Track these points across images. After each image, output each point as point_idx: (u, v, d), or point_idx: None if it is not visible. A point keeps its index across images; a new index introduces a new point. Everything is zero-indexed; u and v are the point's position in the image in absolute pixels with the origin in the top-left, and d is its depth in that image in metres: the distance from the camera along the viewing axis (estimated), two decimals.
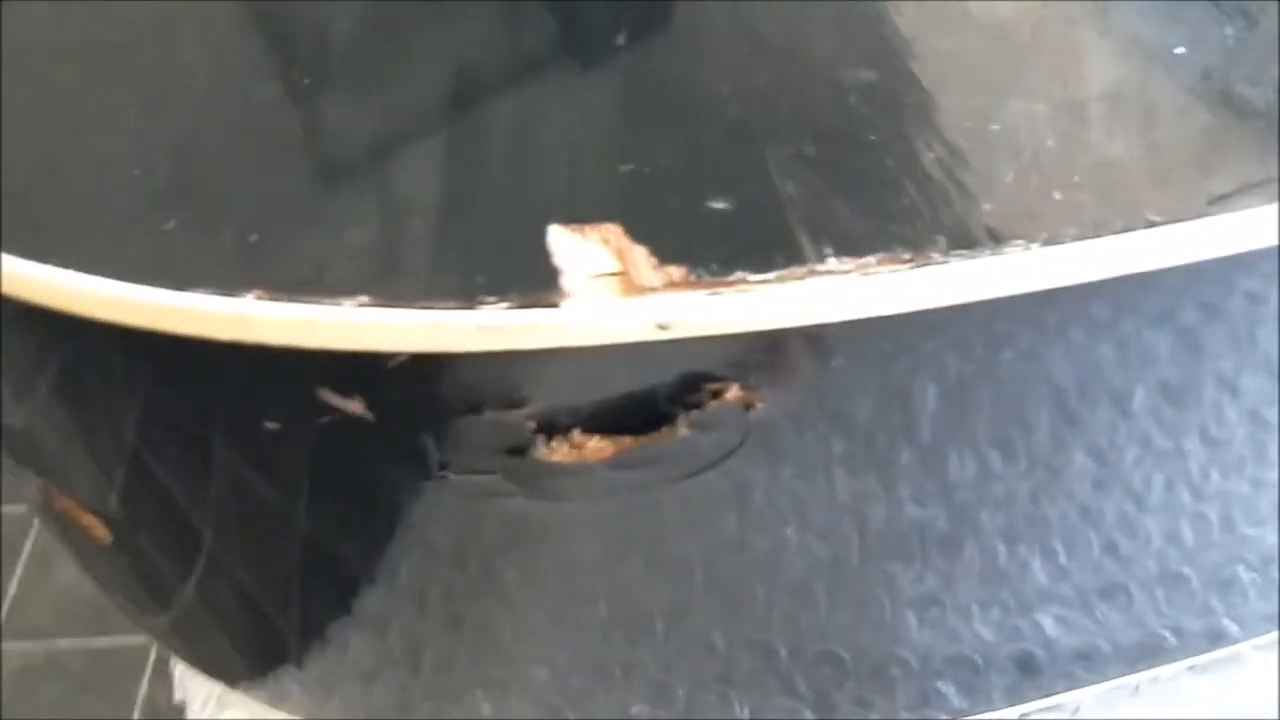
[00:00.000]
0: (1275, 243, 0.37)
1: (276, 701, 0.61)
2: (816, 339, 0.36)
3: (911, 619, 0.57)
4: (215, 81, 0.41)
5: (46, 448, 0.45)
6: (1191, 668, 0.65)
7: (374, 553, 0.45)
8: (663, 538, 0.45)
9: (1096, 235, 0.35)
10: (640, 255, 0.35)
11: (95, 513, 0.47)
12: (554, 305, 0.34)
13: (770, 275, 0.35)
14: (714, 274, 0.35)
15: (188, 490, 0.43)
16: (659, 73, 0.41)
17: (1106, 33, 0.41)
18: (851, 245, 0.35)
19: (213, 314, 0.35)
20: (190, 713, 0.67)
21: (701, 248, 0.35)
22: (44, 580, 1.13)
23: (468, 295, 0.35)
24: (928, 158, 0.37)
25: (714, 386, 0.38)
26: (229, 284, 0.35)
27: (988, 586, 0.56)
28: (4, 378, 0.42)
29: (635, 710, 0.59)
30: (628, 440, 0.39)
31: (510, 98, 0.40)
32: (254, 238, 0.36)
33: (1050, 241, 0.35)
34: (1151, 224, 0.35)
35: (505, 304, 0.34)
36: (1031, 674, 0.61)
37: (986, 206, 0.36)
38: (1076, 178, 0.36)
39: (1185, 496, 0.55)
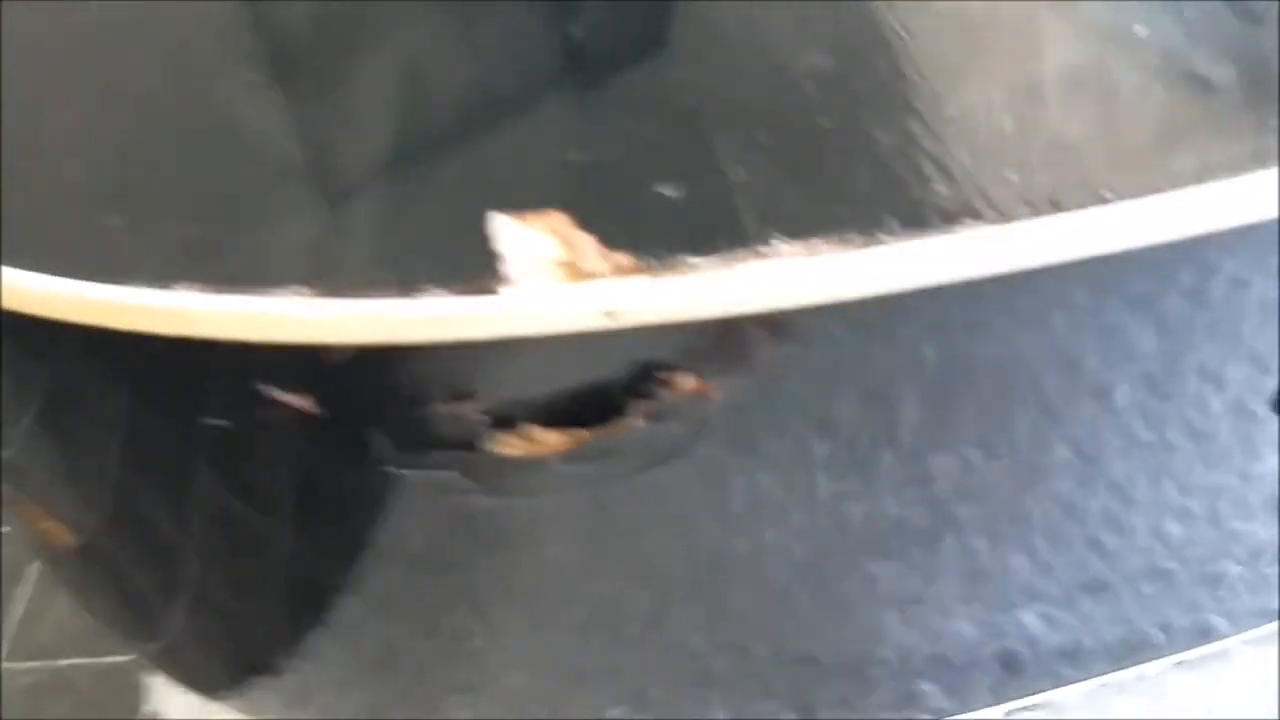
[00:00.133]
0: (1243, 221, 0.36)
1: (250, 708, 0.60)
2: (766, 324, 0.35)
3: (891, 618, 0.56)
4: (157, 80, 0.40)
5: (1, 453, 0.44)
6: (1179, 664, 0.63)
7: (335, 555, 0.44)
8: (628, 535, 0.45)
9: (1050, 213, 0.34)
10: (586, 242, 0.34)
11: (54, 517, 0.47)
12: (496, 293, 0.34)
13: (716, 259, 0.34)
14: (660, 259, 0.34)
15: (140, 494, 0.42)
16: (608, 61, 0.41)
17: (1065, 13, 0.40)
18: (799, 228, 0.34)
19: (151, 308, 0.34)
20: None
21: (648, 234, 0.34)
22: (50, 599, 1.13)
23: (408, 285, 0.34)
24: (881, 143, 0.36)
25: (666, 376, 0.37)
26: (167, 278, 0.34)
27: (966, 583, 0.55)
28: None
29: (611, 713, 0.58)
30: (582, 433, 0.38)
31: (454, 88, 0.39)
32: (194, 232, 0.35)
33: (1002, 220, 0.34)
34: (1106, 201, 0.34)
35: (447, 293, 0.34)
36: (1015, 672, 0.60)
37: (940, 189, 0.35)
38: (1032, 159, 0.35)
39: (1170, 490, 0.54)
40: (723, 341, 0.36)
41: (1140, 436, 0.49)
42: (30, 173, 0.37)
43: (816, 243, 0.34)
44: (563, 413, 0.38)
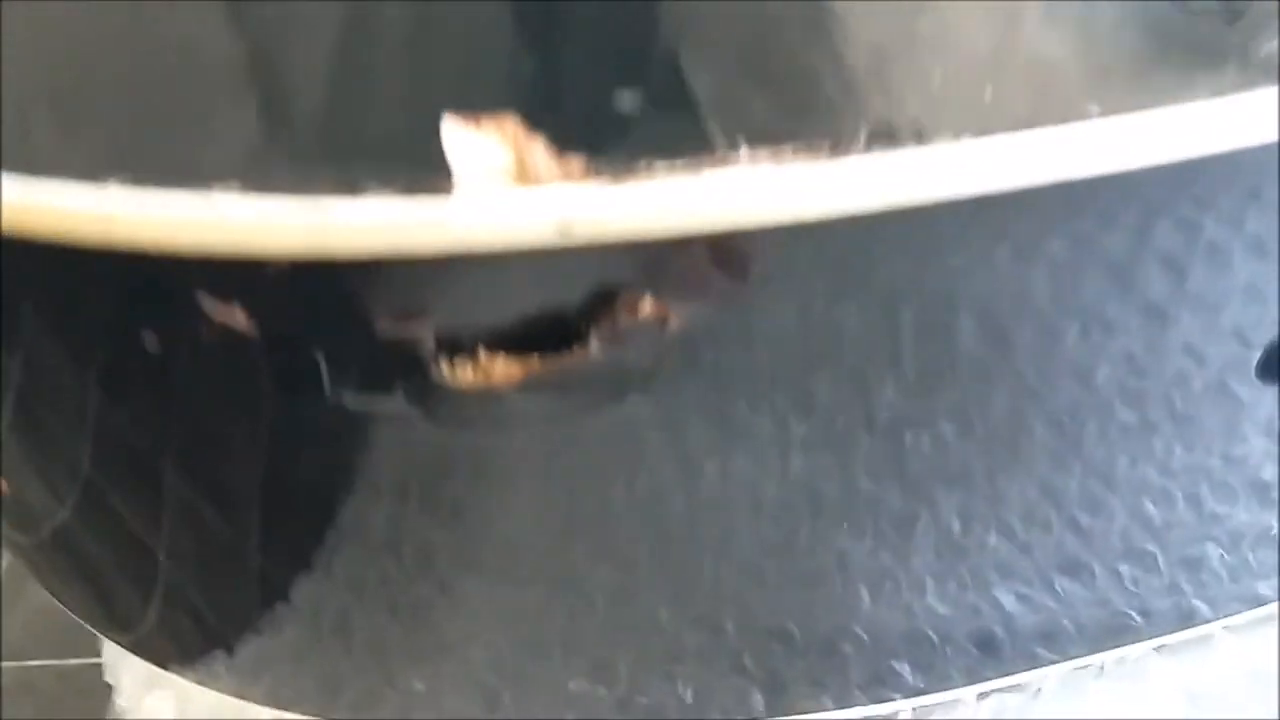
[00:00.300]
0: (1227, 147, 0.34)
1: (200, 678, 0.57)
2: (728, 241, 0.33)
3: (864, 593, 0.54)
4: None
5: None
6: (1159, 649, 0.61)
7: (276, 499, 0.42)
8: (586, 481, 0.42)
9: (1030, 128, 0.32)
10: (538, 147, 0.32)
11: None
12: (443, 196, 0.31)
13: (678, 166, 0.31)
14: (618, 167, 0.32)
15: (67, 434, 0.40)
16: None
17: None
18: (766, 138, 0.32)
19: (75, 210, 0.31)
20: (119, 696, 0.64)
21: (605, 142, 0.32)
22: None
23: (350, 186, 0.31)
24: (852, 56, 0.34)
25: (624, 299, 0.35)
26: (91, 174, 0.32)
27: (940, 560, 0.53)
28: None
29: (573, 686, 0.56)
30: (534, 361, 0.36)
31: None
32: (123, 131, 0.33)
33: (976, 136, 0.32)
34: (1088, 117, 0.32)
35: (391, 195, 0.31)
36: (991, 653, 0.58)
37: (912, 103, 0.33)
38: (1010, 75, 0.33)
39: (1149, 471, 0.52)
40: (682, 260, 0.33)
41: (1119, 414, 0.48)
42: None
43: (785, 152, 0.32)
44: (515, 340, 0.36)
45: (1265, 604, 0.61)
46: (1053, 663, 0.59)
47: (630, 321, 0.35)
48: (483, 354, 0.36)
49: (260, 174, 0.32)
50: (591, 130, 0.32)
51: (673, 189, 0.32)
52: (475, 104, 0.32)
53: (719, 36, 0.34)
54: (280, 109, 0.34)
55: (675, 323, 0.35)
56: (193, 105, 0.33)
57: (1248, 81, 0.33)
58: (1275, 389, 0.48)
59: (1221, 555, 0.58)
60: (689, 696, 0.57)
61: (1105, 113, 0.32)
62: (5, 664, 1.05)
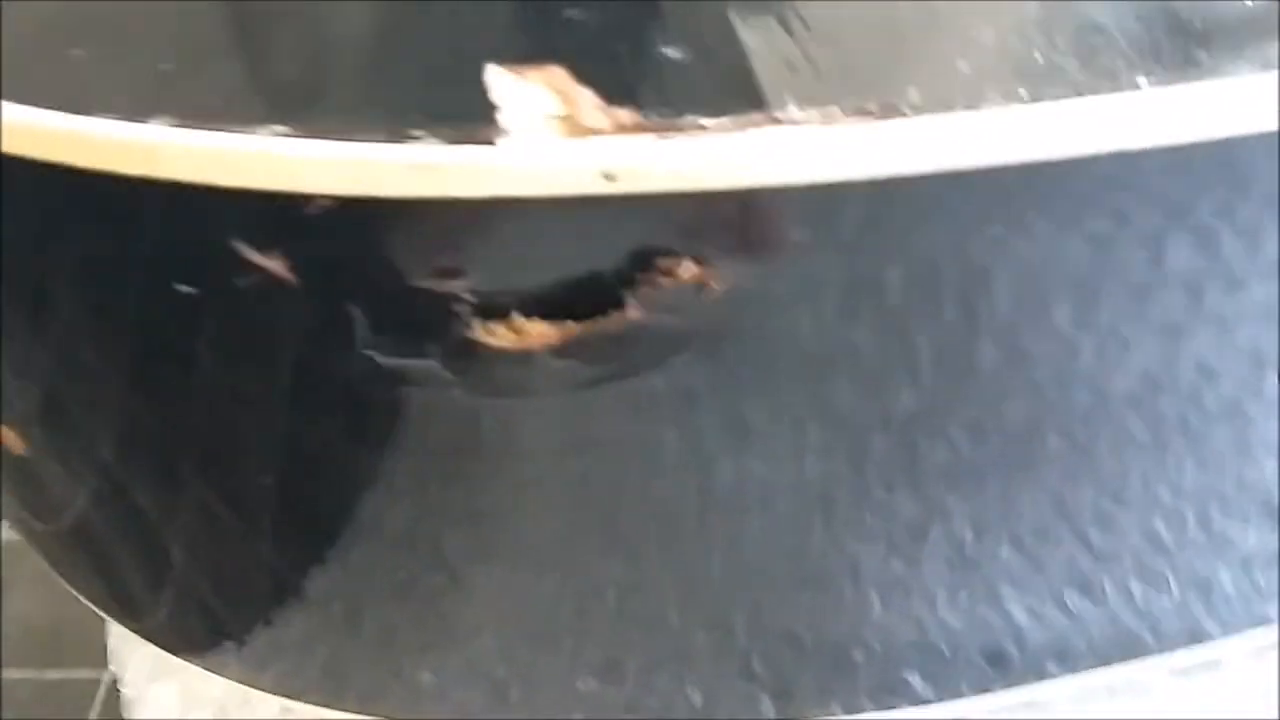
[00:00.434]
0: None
1: (214, 666, 0.56)
2: (775, 202, 0.32)
3: (875, 600, 0.53)
4: None
5: None
6: (1171, 669, 0.60)
7: (296, 464, 0.40)
8: (613, 456, 0.41)
9: (1080, 95, 0.31)
10: (585, 97, 0.31)
11: (7, 420, 0.43)
12: (490, 143, 0.31)
13: (726, 120, 0.31)
14: (666, 119, 0.31)
15: (92, 387, 0.39)
16: None
17: None
18: (816, 98, 0.31)
19: (118, 141, 0.31)
20: (125, 686, 0.62)
21: (653, 94, 0.32)
22: None
23: (396, 131, 0.31)
24: (903, 20, 0.34)
25: (666, 263, 0.34)
26: (136, 111, 0.31)
27: (953, 569, 0.52)
28: None
29: (583, 684, 0.54)
30: (572, 325, 0.35)
31: None
32: (166, 67, 0.32)
33: (1034, 100, 0.31)
34: (1139, 88, 0.32)
35: (437, 140, 0.30)
36: (1001, 666, 0.57)
37: (963, 66, 0.32)
38: (1060, 41, 0.33)
39: (1162, 491, 0.51)
40: (727, 220, 0.33)
41: (1134, 430, 0.47)
42: None
43: (834, 110, 0.31)
44: (553, 302, 0.35)
45: (1274, 624, 0.60)
46: (1062, 676, 0.58)
47: (669, 284, 0.34)
48: (519, 316, 0.35)
49: (308, 117, 0.31)
50: (640, 83, 0.32)
51: (720, 144, 0.31)
52: (524, 54, 0.32)
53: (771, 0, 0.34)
54: (330, 55, 0.33)
55: (715, 287, 0.34)
56: (240, 49, 0.33)
57: None
58: None
59: (1231, 575, 0.57)
60: (697, 699, 0.55)
61: (1156, 82, 0.32)
62: None
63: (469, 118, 0.31)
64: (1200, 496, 0.52)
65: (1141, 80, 0.32)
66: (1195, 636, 0.60)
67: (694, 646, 0.53)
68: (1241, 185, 0.37)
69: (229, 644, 0.52)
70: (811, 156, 0.31)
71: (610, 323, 0.35)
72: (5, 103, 0.30)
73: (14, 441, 0.44)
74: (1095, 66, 0.32)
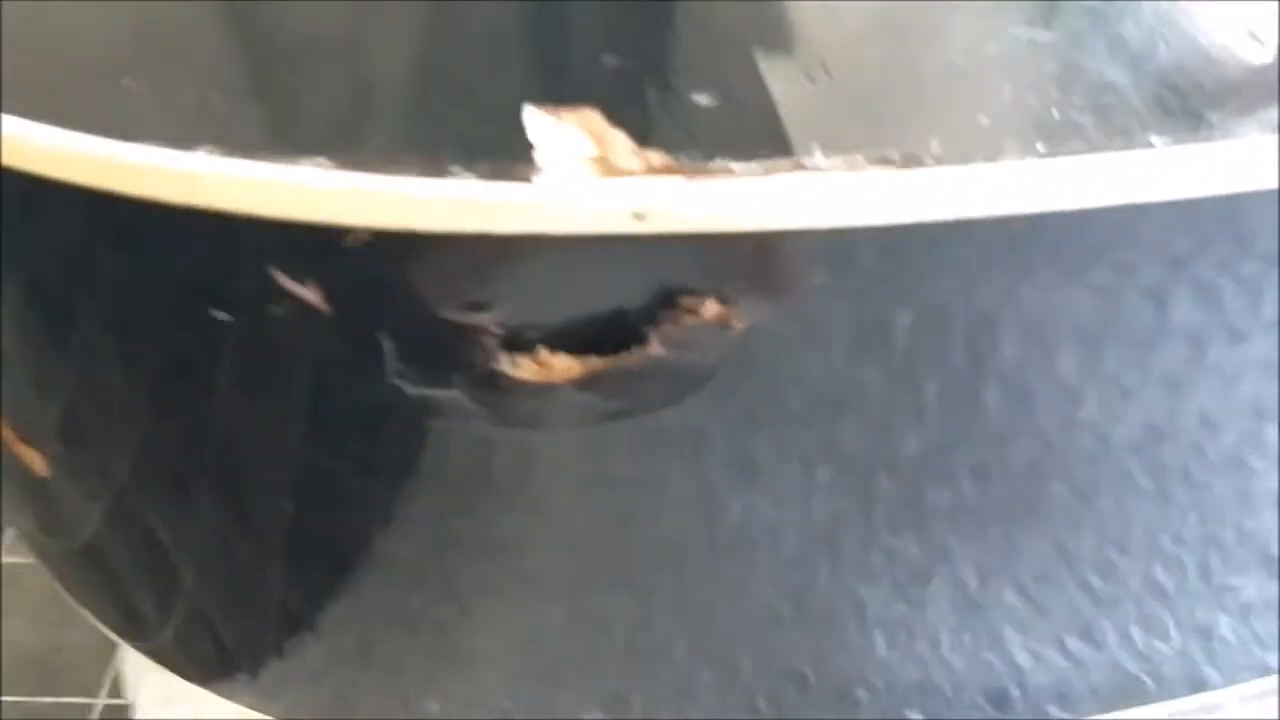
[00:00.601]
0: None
1: (224, 692, 0.56)
2: (798, 245, 0.33)
3: (880, 640, 0.53)
4: None
5: None
6: (1170, 715, 0.60)
7: (316, 487, 0.41)
8: (630, 490, 0.42)
9: (1095, 152, 0.32)
10: (619, 139, 0.32)
11: (31, 441, 0.43)
12: (525, 181, 0.31)
13: (754, 165, 0.32)
14: (696, 163, 0.32)
15: (126, 408, 0.39)
16: None
17: None
18: (840, 145, 0.32)
19: (163, 170, 0.31)
20: (137, 712, 0.62)
21: (683, 139, 0.33)
22: None
23: (434, 166, 0.31)
24: (924, 73, 0.34)
25: (690, 302, 0.35)
26: (182, 141, 0.32)
27: (956, 613, 0.52)
28: None
29: (589, 715, 0.55)
30: (596, 360, 0.36)
31: None
32: (214, 100, 0.33)
33: (1049, 155, 0.32)
34: (1152, 145, 0.33)
35: (473, 177, 0.31)
36: (1003, 708, 0.57)
37: (983, 120, 0.33)
38: (1076, 99, 0.34)
39: (1163, 539, 0.52)
40: (751, 262, 0.34)
41: (1136, 479, 0.48)
42: (42, 34, 0.35)
43: (858, 158, 0.32)
44: (578, 337, 0.36)
45: (1273, 674, 0.61)
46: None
47: (692, 323, 0.35)
48: (544, 349, 0.36)
49: (349, 152, 0.32)
50: (671, 128, 0.33)
51: (747, 188, 0.32)
52: (560, 96, 0.33)
53: (798, 44, 0.35)
54: (371, 92, 0.34)
55: (736, 326, 0.35)
56: (286, 83, 0.34)
57: None
58: None
59: (1232, 624, 0.57)
60: None
61: (1167, 142, 0.32)
62: None
63: (505, 156, 0.32)
64: (1201, 546, 0.52)
65: (1154, 139, 0.33)
66: (1196, 684, 0.60)
67: (699, 682, 0.53)
68: (1244, 242, 0.38)
69: (241, 670, 0.53)
70: (834, 202, 0.32)
71: (633, 359, 0.36)
72: (49, 127, 0.31)
73: (37, 463, 0.45)
74: (1109, 124, 0.33)
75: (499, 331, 0.35)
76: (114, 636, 0.55)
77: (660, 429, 0.39)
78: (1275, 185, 0.34)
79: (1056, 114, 0.33)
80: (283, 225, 0.32)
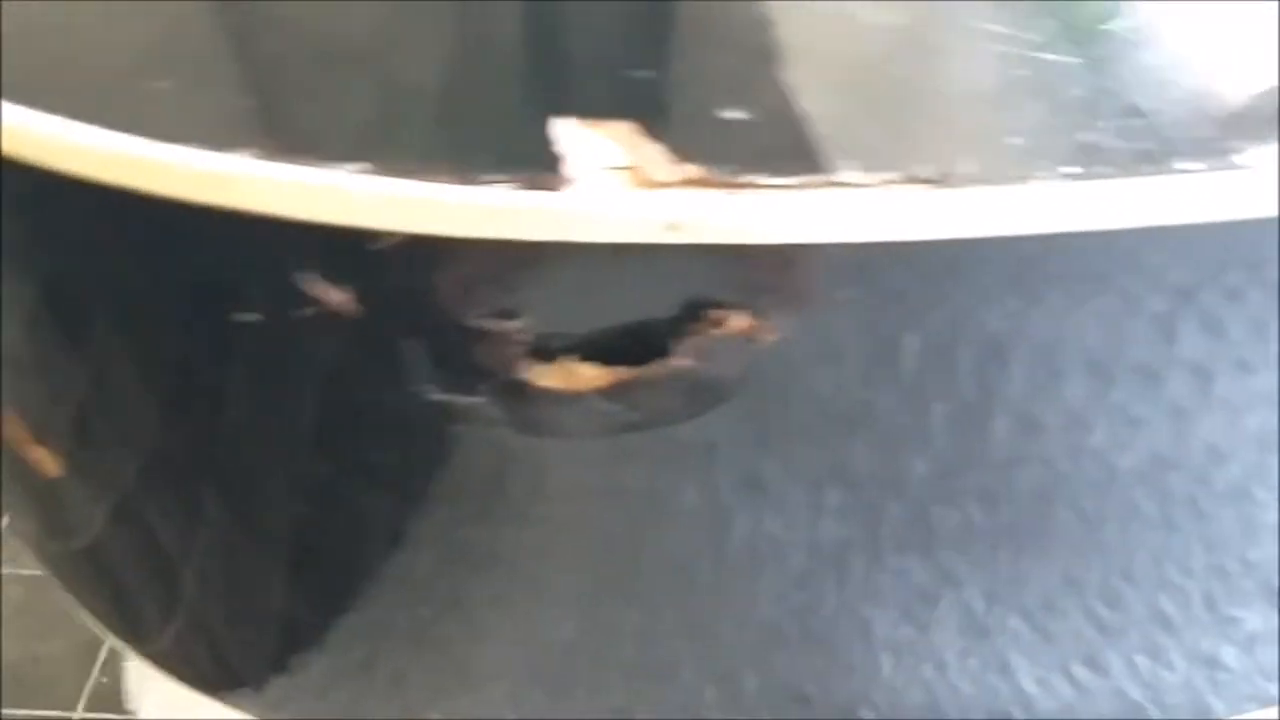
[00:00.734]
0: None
1: (232, 701, 0.56)
2: (827, 259, 0.33)
3: (885, 664, 0.53)
4: None
5: None
6: None
7: (338, 489, 0.41)
8: (647, 500, 0.42)
9: (1124, 176, 0.33)
10: (654, 151, 0.32)
11: (44, 441, 0.43)
12: (559, 189, 0.32)
13: (789, 180, 0.32)
14: (730, 176, 0.32)
15: (145, 406, 0.39)
16: None
17: None
18: (873, 162, 0.33)
19: (195, 171, 0.32)
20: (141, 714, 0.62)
21: (717, 152, 0.33)
22: None
23: (468, 174, 0.32)
24: (954, 93, 0.35)
25: (717, 314, 0.35)
26: (220, 143, 0.32)
27: (963, 639, 0.52)
28: None
29: None
30: (622, 370, 0.36)
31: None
32: (248, 103, 0.33)
33: (1081, 178, 0.32)
34: (1182, 171, 0.33)
35: (508, 185, 0.31)
36: None
37: (1014, 141, 0.34)
38: (1103, 123, 0.34)
39: (1169, 569, 0.52)
40: (780, 276, 0.34)
41: (1142, 508, 0.48)
42: (76, 34, 0.35)
43: (891, 175, 0.32)
44: (604, 347, 0.36)
45: (1275, 705, 0.61)
46: None
47: (719, 335, 0.35)
48: (571, 359, 0.36)
49: (383, 157, 0.32)
50: (706, 142, 0.33)
51: (779, 202, 0.32)
52: (596, 108, 0.33)
53: (827, 60, 0.35)
54: (407, 100, 0.34)
55: (762, 339, 0.35)
56: (319, 88, 0.34)
57: None
58: None
59: (1236, 654, 0.57)
60: None
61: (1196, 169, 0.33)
62: None
63: (540, 166, 0.32)
64: (1206, 576, 0.53)
65: (1179, 164, 0.33)
66: (1200, 712, 0.60)
67: (704, 700, 0.53)
68: (1255, 270, 0.38)
69: (246, 678, 0.53)
70: (864, 217, 0.32)
71: (658, 370, 0.36)
72: (79, 125, 0.31)
73: (48, 463, 0.44)
74: (1135, 148, 0.33)
75: (526, 339, 0.35)
76: (119, 643, 0.55)
77: (679, 442, 0.39)
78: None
79: (1085, 138, 0.34)
80: (314, 229, 0.32)
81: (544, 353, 0.36)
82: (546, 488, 0.42)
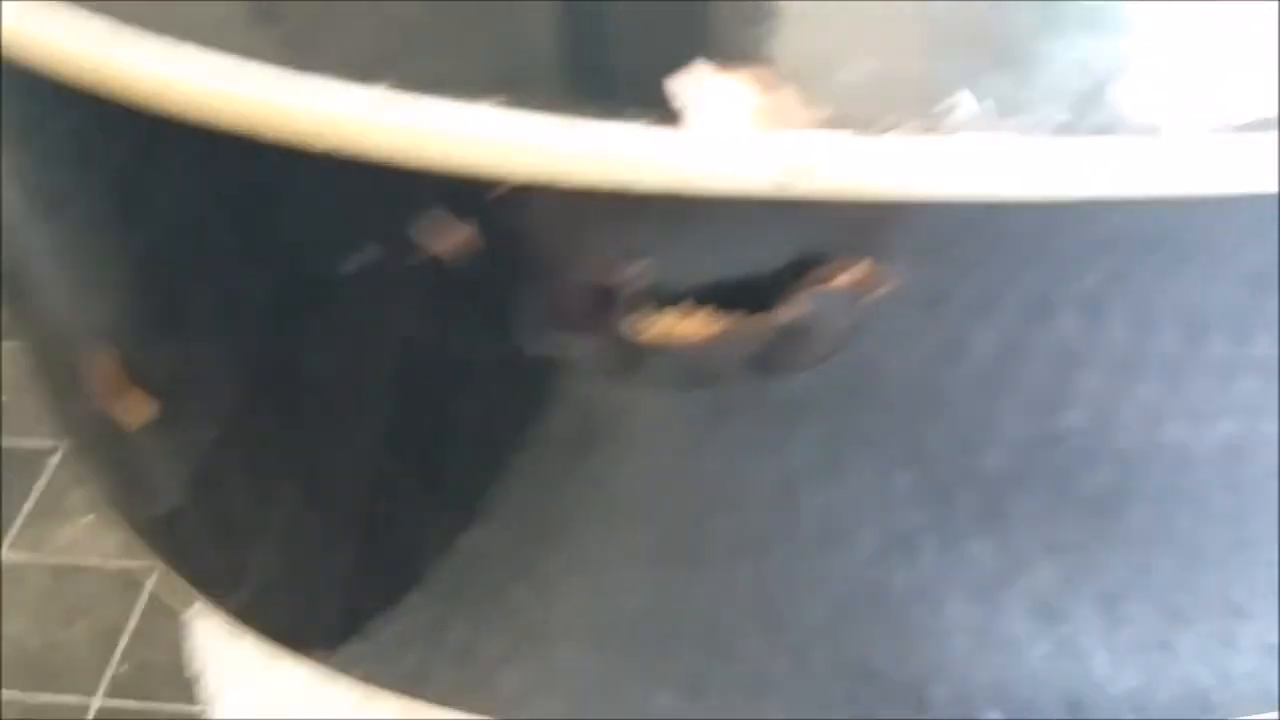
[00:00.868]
0: None
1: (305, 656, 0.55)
2: (951, 213, 0.33)
3: (958, 641, 0.52)
4: None
5: (102, 292, 0.41)
6: None
7: (426, 445, 0.41)
8: (735, 458, 0.41)
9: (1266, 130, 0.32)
10: (786, 94, 0.32)
11: (141, 382, 0.43)
12: (688, 134, 0.31)
13: (919, 126, 0.31)
14: (861, 121, 0.32)
15: (250, 343, 0.39)
16: None
17: None
18: (1004, 113, 0.32)
19: (315, 114, 0.31)
20: (208, 680, 0.62)
21: (849, 97, 0.32)
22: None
23: (592, 117, 0.31)
24: (1085, 49, 0.34)
25: (831, 266, 0.34)
26: (335, 84, 0.31)
27: (1037, 617, 0.52)
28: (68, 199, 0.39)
29: (659, 698, 0.54)
30: (728, 322, 0.36)
31: None
32: (367, 45, 0.33)
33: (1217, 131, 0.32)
34: None
35: (640, 125, 0.31)
36: (1080, 714, 0.57)
37: (1158, 93, 0.33)
38: (1239, 76, 0.33)
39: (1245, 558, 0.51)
40: (901, 226, 0.33)
41: (1217, 500, 0.47)
42: None
43: (1025, 121, 0.32)
44: (713, 300, 0.35)
45: None
46: None
47: (831, 288, 0.34)
48: (676, 310, 0.36)
49: (512, 99, 0.31)
50: (835, 87, 0.32)
51: (906, 150, 0.31)
52: (728, 52, 0.33)
53: (955, 22, 0.35)
54: (530, 42, 0.34)
55: (875, 293, 0.35)
56: (441, 30, 0.33)
57: None
58: None
59: None
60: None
61: None
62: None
63: (667, 111, 0.32)
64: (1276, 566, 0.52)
65: None
66: (1267, 701, 0.59)
67: (772, 671, 0.53)
68: None
69: (330, 630, 0.52)
70: (992, 170, 0.32)
71: (766, 321, 0.35)
72: (194, 56, 0.31)
73: (141, 409, 0.44)
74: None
75: (635, 290, 0.35)
76: (196, 594, 0.55)
77: (776, 400, 0.39)
78: None
79: (1242, 95, 0.33)
80: (431, 174, 0.32)
81: (651, 304, 0.35)
82: (635, 446, 0.42)
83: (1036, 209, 0.32)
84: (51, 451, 1.24)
